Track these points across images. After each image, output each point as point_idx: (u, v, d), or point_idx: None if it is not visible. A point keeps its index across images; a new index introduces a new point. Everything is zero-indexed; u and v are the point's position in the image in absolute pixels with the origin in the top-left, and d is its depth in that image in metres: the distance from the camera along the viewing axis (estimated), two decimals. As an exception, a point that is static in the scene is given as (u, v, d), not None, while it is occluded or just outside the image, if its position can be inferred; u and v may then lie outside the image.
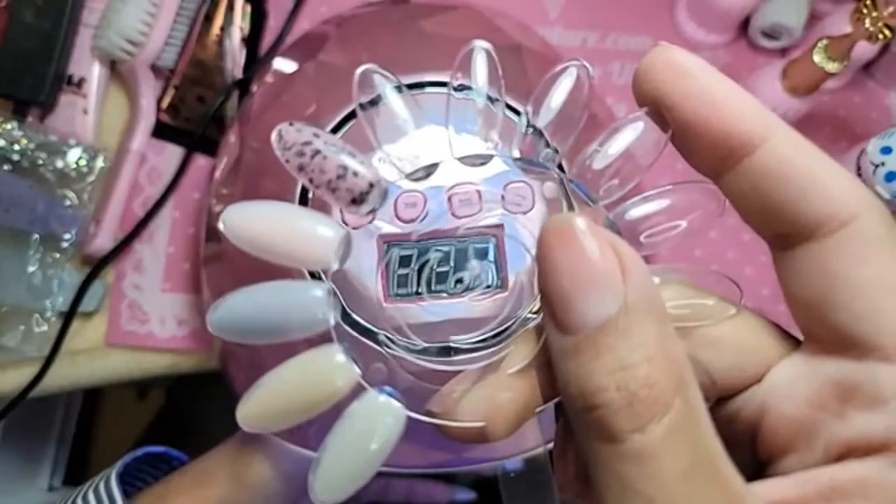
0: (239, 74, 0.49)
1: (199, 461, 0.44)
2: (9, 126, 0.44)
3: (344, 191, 0.19)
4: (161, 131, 0.48)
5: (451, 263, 0.36)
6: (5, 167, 0.44)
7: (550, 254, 0.15)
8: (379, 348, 0.26)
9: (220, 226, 0.18)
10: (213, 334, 0.19)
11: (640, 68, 0.17)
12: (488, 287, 0.36)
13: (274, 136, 0.18)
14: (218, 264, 0.41)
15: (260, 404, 0.19)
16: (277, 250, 0.18)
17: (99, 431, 0.86)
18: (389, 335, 0.35)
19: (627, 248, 0.15)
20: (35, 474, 0.73)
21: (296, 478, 0.43)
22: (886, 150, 0.41)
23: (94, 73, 0.48)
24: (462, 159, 0.21)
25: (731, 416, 0.18)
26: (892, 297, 0.15)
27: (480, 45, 0.21)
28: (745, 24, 0.52)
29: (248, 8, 0.50)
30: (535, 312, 0.30)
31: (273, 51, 0.49)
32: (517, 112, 0.35)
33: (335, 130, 0.37)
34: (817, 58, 0.43)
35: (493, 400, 0.18)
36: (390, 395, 0.19)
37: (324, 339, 0.19)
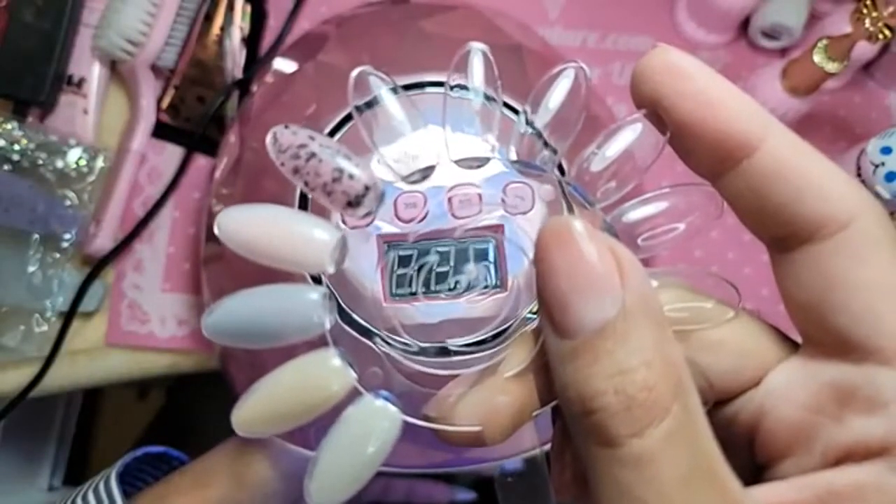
0: (239, 74, 0.49)
1: (199, 461, 0.44)
2: (9, 126, 0.44)
3: (339, 194, 0.19)
4: (161, 131, 0.48)
5: (451, 264, 0.36)
6: (5, 167, 0.44)
7: (548, 256, 0.15)
8: (376, 350, 0.26)
9: (216, 229, 0.18)
10: (208, 338, 0.19)
11: (637, 70, 0.17)
12: (487, 287, 0.36)
13: (269, 139, 0.18)
14: (218, 264, 0.41)
15: (255, 409, 0.19)
16: (272, 254, 0.18)
17: (99, 431, 0.86)
18: (388, 335, 0.35)
19: (625, 252, 0.15)
20: (35, 474, 0.73)
21: (295, 477, 0.43)
22: (886, 150, 0.41)
23: (95, 73, 0.48)
24: (459, 162, 0.21)
25: (729, 420, 0.18)
26: (891, 300, 0.15)
27: (477, 46, 0.21)
28: (745, 24, 0.52)
29: (248, 8, 0.50)
30: (534, 312, 0.30)
31: (273, 51, 0.49)
32: (517, 112, 0.35)
33: (335, 130, 0.37)
34: (817, 58, 0.43)
35: (489, 404, 0.18)
36: (386, 399, 0.19)
37: (323, 342, 0.19)
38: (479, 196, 0.37)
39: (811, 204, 0.16)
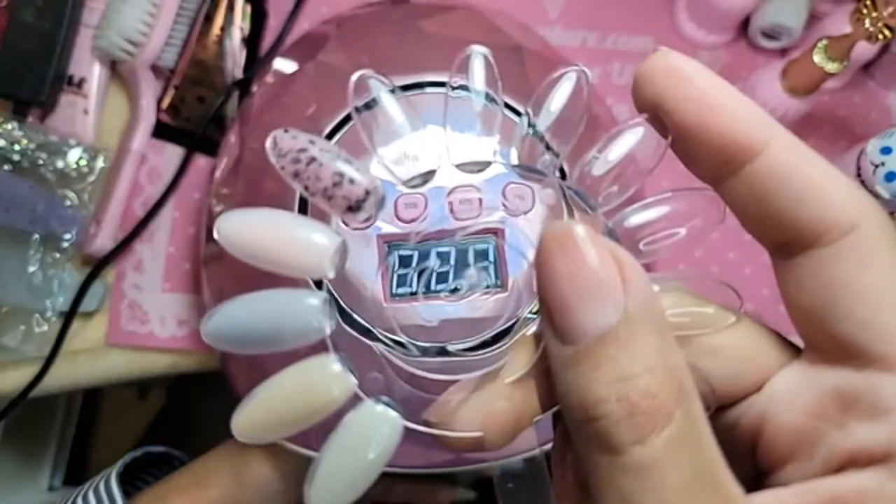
0: (239, 74, 0.49)
1: (200, 461, 0.44)
2: (9, 126, 0.44)
3: (340, 198, 0.19)
4: (161, 131, 0.48)
5: (452, 264, 0.36)
6: (6, 167, 0.44)
7: (549, 261, 0.15)
8: (376, 353, 0.26)
9: (215, 234, 0.18)
10: (208, 343, 0.19)
11: (639, 73, 0.17)
12: (488, 287, 0.36)
13: (269, 142, 0.18)
14: (218, 264, 0.41)
15: (255, 415, 0.19)
16: (272, 259, 0.18)
17: (99, 431, 0.86)
18: (388, 335, 0.35)
19: (627, 257, 0.15)
20: (35, 474, 0.73)
21: (297, 477, 0.43)
22: (886, 151, 0.41)
23: (95, 74, 0.48)
24: (460, 166, 0.21)
25: (731, 425, 0.18)
26: (894, 306, 0.15)
27: (478, 49, 0.21)
28: (744, 24, 0.52)
29: (249, 8, 0.50)
30: (534, 312, 0.30)
31: (273, 51, 0.49)
32: (518, 113, 0.35)
33: (335, 131, 0.37)
34: (817, 58, 0.43)
35: (489, 409, 0.18)
36: (387, 404, 0.18)
37: (324, 347, 0.19)
38: (480, 197, 0.37)
39: (814, 209, 0.16)
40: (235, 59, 0.49)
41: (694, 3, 0.52)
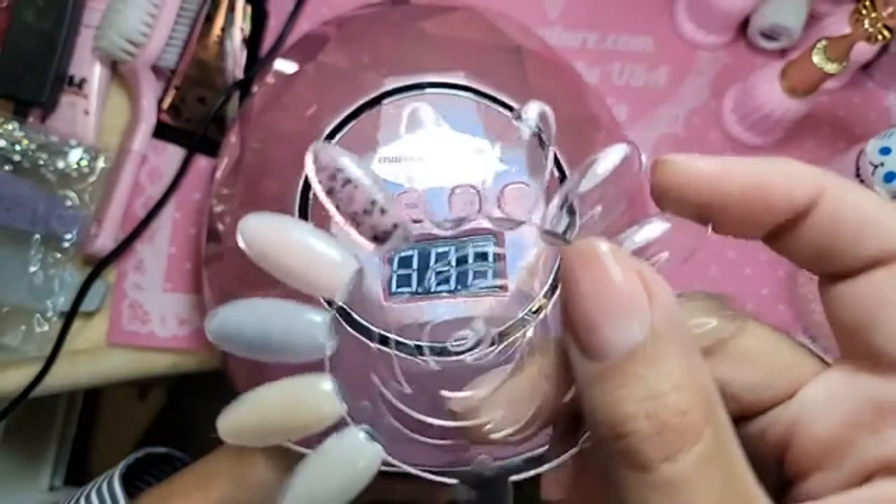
0: (240, 75, 0.49)
1: (202, 462, 0.44)
2: (10, 126, 0.45)
3: (368, 226, 0.19)
4: (162, 132, 0.48)
5: (452, 264, 0.36)
6: (6, 168, 0.44)
7: (575, 279, 0.15)
8: (371, 379, 0.25)
9: (238, 237, 0.18)
10: (210, 340, 0.19)
11: (667, 187, 0.17)
12: (488, 288, 0.36)
13: (309, 155, 0.18)
14: (219, 264, 0.41)
15: (240, 419, 0.19)
16: (289, 271, 0.18)
17: (100, 431, 0.86)
18: (388, 335, 0.36)
19: (652, 273, 0.15)
20: (36, 474, 0.73)
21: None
22: (885, 151, 0.42)
23: (95, 74, 0.48)
24: (492, 220, 0.21)
25: (758, 436, 0.18)
26: None
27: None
28: (744, 24, 0.52)
29: (249, 9, 0.50)
30: (534, 312, 0.30)
31: (274, 52, 0.49)
32: (510, 108, 0.35)
33: (336, 131, 0.37)
34: (816, 58, 0.43)
35: (514, 398, 0.18)
36: (371, 435, 0.18)
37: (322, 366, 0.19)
38: (479, 197, 0.37)
39: (871, 242, 0.16)
40: (236, 59, 0.49)
41: (693, 3, 0.52)
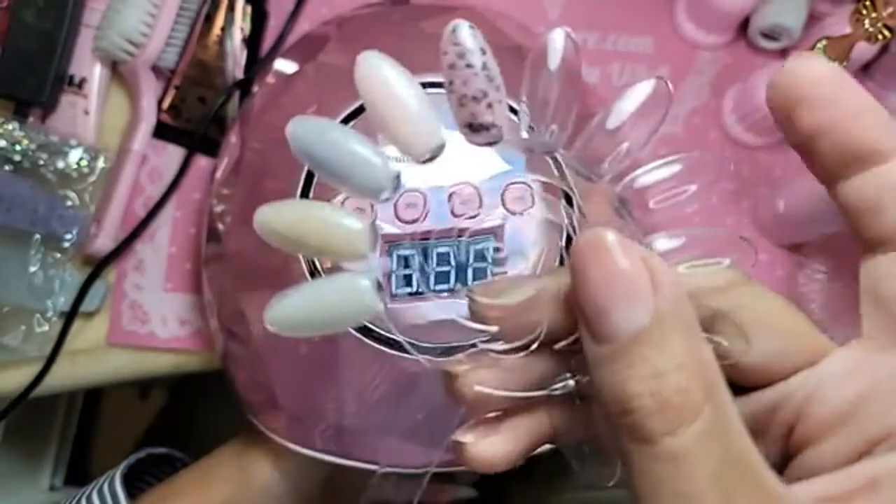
0: (240, 75, 0.49)
1: (203, 462, 0.45)
2: (10, 126, 0.44)
3: (469, 112, 0.19)
4: (162, 132, 0.48)
5: (452, 263, 0.36)
6: (6, 168, 0.44)
7: (584, 267, 0.16)
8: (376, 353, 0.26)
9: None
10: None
11: (777, 77, 0.18)
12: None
13: (451, 27, 0.19)
14: (219, 264, 0.41)
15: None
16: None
17: (100, 431, 0.86)
18: (389, 335, 0.36)
19: (657, 260, 0.16)
20: (36, 474, 0.73)
21: (301, 478, 0.43)
22: (885, 151, 0.42)
23: (96, 74, 0.48)
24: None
25: (774, 406, 0.19)
26: None
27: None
28: (744, 24, 0.52)
29: (249, 8, 0.50)
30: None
31: (274, 51, 0.49)
32: (511, 109, 0.35)
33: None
34: (817, 58, 0.43)
35: (530, 291, 0.19)
36: (379, 290, 0.19)
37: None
38: (479, 195, 0.37)
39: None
40: (236, 59, 0.49)
41: (693, 3, 0.52)
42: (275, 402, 0.38)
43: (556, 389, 0.20)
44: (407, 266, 0.36)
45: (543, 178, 0.32)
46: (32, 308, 0.44)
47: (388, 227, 0.36)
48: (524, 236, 0.36)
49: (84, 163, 0.46)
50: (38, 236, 0.44)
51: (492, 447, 0.20)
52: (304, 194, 0.36)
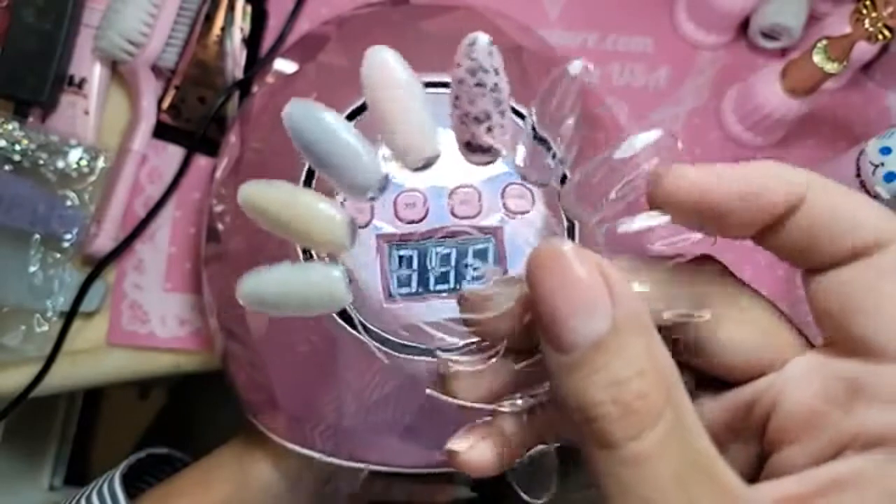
0: (240, 75, 0.49)
1: (203, 462, 0.44)
2: (10, 126, 0.44)
3: (469, 132, 0.19)
4: (162, 131, 0.48)
5: (452, 264, 0.36)
6: (6, 167, 0.44)
7: (541, 279, 0.16)
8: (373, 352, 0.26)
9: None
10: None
11: (660, 194, 0.19)
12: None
13: (472, 39, 0.18)
14: (218, 264, 0.41)
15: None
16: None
17: (100, 431, 0.86)
18: (389, 335, 0.36)
19: (613, 270, 0.16)
20: (36, 474, 0.73)
21: (301, 479, 0.43)
22: (886, 151, 0.42)
23: (96, 74, 0.48)
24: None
25: (748, 405, 0.19)
26: None
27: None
28: (744, 24, 0.52)
29: (249, 8, 0.50)
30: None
31: (274, 51, 0.49)
32: (520, 115, 0.35)
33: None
34: (817, 58, 0.43)
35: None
36: (349, 285, 0.19)
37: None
38: (479, 196, 0.37)
39: (852, 238, 0.17)
40: (236, 59, 0.49)
41: (694, 3, 0.52)
42: (274, 403, 0.38)
43: (504, 406, 0.20)
44: (407, 266, 0.36)
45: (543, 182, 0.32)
46: (32, 308, 0.44)
47: (388, 227, 0.36)
48: (524, 236, 0.36)
49: (84, 163, 0.46)
50: (37, 236, 0.44)
51: (483, 455, 0.20)
52: (308, 181, 0.36)
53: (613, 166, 0.20)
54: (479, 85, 0.19)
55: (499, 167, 0.37)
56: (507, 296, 0.19)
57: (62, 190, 0.46)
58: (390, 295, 0.36)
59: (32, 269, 0.44)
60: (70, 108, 0.47)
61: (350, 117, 0.37)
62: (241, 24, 0.49)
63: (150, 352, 0.47)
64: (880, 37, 0.41)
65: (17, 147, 0.45)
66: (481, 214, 0.37)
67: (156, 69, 0.48)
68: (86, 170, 0.46)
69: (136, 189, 0.47)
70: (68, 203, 0.46)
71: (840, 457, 0.17)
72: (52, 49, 0.45)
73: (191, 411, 0.70)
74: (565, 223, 0.35)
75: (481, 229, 0.36)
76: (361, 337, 0.34)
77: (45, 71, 0.45)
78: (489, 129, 0.19)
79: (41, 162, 0.45)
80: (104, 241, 0.45)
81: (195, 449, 0.47)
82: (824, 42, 0.43)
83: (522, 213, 0.36)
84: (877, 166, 0.42)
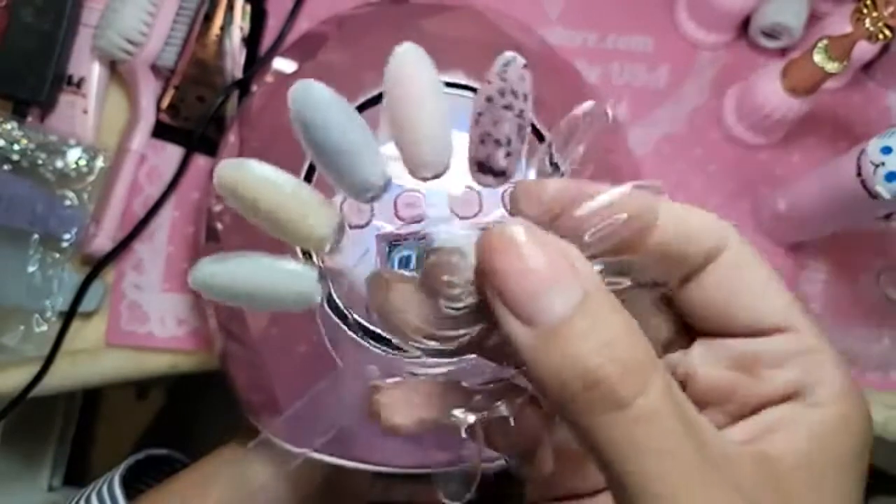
0: (239, 74, 0.49)
1: (201, 464, 0.44)
2: (9, 126, 0.44)
3: (486, 154, 0.19)
4: (161, 131, 0.48)
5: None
6: (5, 167, 0.44)
7: (501, 260, 0.17)
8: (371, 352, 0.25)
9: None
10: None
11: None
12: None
13: (507, 58, 0.18)
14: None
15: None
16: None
17: (99, 431, 0.86)
18: (389, 335, 0.35)
19: (570, 247, 0.17)
20: (35, 474, 0.73)
21: (300, 479, 0.43)
22: (887, 150, 0.41)
23: (94, 73, 0.48)
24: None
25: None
26: (769, 291, 0.20)
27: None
28: (745, 23, 0.52)
29: (248, 8, 0.50)
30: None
31: (273, 51, 0.49)
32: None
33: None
34: (817, 58, 0.43)
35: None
36: (322, 284, 0.19)
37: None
38: (480, 195, 0.37)
39: (702, 245, 0.19)
40: (235, 58, 0.49)
41: (694, 2, 0.51)
42: (274, 403, 0.38)
43: (448, 420, 0.20)
44: (406, 266, 0.36)
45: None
46: (31, 308, 0.44)
47: (388, 227, 0.36)
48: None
49: (83, 162, 0.46)
50: (36, 236, 0.44)
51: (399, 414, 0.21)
52: (309, 174, 0.36)
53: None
54: (506, 107, 0.18)
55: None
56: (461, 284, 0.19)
57: (61, 190, 0.46)
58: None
59: (31, 269, 0.44)
60: (69, 108, 0.47)
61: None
62: (241, 23, 0.49)
63: (149, 352, 0.47)
64: (881, 36, 0.41)
65: (16, 147, 0.44)
66: (482, 213, 0.36)
67: (155, 68, 0.48)
68: (84, 169, 0.46)
69: (134, 189, 0.47)
70: (67, 203, 0.46)
71: (763, 411, 0.19)
72: (50, 48, 0.45)
73: (190, 412, 0.70)
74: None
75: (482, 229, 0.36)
76: (358, 338, 0.34)
77: (43, 70, 0.45)
78: (508, 154, 0.19)
79: (40, 162, 0.45)
80: (103, 241, 0.45)
81: (194, 449, 0.47)
82: (825, 41, 0.43)
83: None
84: (877, 166, 0.41)
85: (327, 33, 0.43)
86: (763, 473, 0.18)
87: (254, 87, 0.46)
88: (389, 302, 0.19)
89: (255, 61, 0.49)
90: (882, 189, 0.41)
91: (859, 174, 0.42)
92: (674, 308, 0.21)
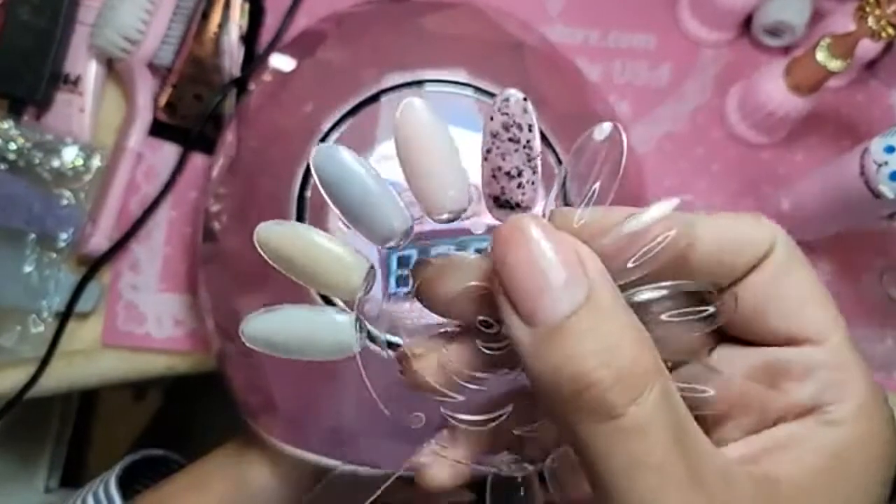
0: (237, 72, 0.48)
1: (198, 464, 0.44)
2: (5, 125, 0.44)
3: (499, 187, 0.19)
4: (158, 130, 0.48)
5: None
6: (1, 166, 0.44)
7: (510, 254, 0.16)
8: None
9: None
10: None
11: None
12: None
13: (505, 96, 0.18)
14: (215, 264, 0.41)
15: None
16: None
17: (96, 432, 0.86)
18: (387, 336, 0.35)
19: (582, 246, 0.16)
20: (32, 475, 0.73)
21: (296, 482, 0.42)
22: (890, 149, 0.41)
23: (91, 72, 0.47)
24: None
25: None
26: (810, 300, 0.19)
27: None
28: (747, 21, 0.52)
29: (246, 5, 0.49)
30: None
31: (271, 49, 0.49)
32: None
33: (334, 128, 0.37)
34: (820, 56, 0.43)
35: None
36: (360, 332, 0.19)
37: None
38: (480, 196, 0.36)
39: (748, 253, 0.19)
40: (233, 56, 0.49)
41: (696, 0, 0.51)
42: (272, 404, 0.38)
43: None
44: (406, 266, 0.36)
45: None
46: (27, 308, 0.44)
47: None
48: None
49: (79, 161, 0.46)
50: (32, 236, 0.44)
51: (439, 472, 0.21)
52: (301, 194, 0.36)
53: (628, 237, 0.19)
54: (512, 140, 0.18)
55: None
56: (466, 272, 0.19)
57: (57, 189, 0.46)
58: (389, 295, 0.35)
59: (28, 269, 0.44)
60: (65, 107, 0.47)
61: (348, 115, 0.36)
62: (239, 21, 0.49)
63: (146, 353, 0.46)
64: (884, 34, 0.41)
65: (12, 146, 0.44)
66: (482, 214, 0.36)
67: (152, 67, 0.48)
68: (81, 168, 0.46)
69: (131, 188, 0.47)
70: (64, 202, 0.45)
71: (775, 426, 0.18)
72: (47, 47, 0.45)
73: (187, 413, 0.70)
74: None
75: (482, 228, 0.36)
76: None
77: (40, 69, 0.45)
78: (521, 185, 0.19)
79: (36, 161, 0.45)
80: (99, 241, 0.45)
81: (191, 451, 0.47)
82: (828, 40, 0.43)
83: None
84: (881, 165, 0.41)
85: (326, 31, 0.43)
86: (762, 496, 0.17)
87: (252, 86, 0.46)
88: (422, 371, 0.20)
89: (253, 59, 0.49)
90: (885, 188, 0.41)
91: (862, 173, 0.42)
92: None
